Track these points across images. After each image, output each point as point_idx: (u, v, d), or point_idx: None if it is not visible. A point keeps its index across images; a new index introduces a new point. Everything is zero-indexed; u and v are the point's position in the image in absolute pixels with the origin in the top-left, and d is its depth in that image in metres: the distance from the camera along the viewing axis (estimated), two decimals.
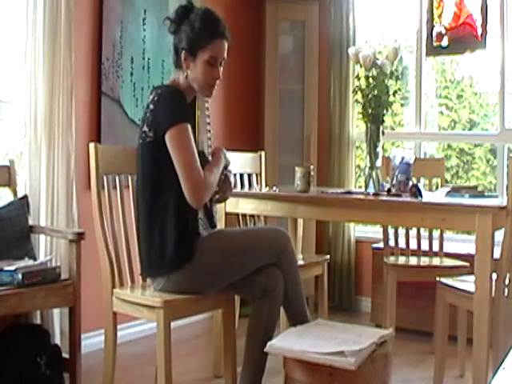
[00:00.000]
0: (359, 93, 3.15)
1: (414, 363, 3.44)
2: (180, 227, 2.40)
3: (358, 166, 4.89)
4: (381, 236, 3.74)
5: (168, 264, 2.42)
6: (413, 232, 3.77)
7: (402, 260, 3.64)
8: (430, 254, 3.71)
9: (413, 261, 3.63)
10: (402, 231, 3.73)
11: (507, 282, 2.59)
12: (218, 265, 2.45)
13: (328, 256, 3.79)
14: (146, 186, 2.46)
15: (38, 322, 3.07)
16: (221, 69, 2.51)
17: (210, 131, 2.62)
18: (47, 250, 3.14)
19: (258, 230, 2.81)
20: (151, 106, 2.42)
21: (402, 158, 3.01)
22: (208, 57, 2.44)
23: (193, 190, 2.34)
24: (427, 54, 4.39)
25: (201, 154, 2.54)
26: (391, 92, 3.11)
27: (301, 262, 3.53)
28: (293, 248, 2.61)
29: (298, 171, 3.03)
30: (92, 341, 3.33)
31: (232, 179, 2.64)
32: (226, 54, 2.51)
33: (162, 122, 2.37)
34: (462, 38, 4.18)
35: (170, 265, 2.42)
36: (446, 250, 3.71)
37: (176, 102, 2.40)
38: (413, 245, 3.74)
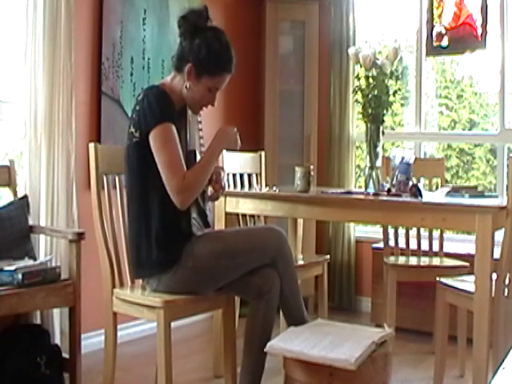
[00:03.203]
0: (359, 93, 3.15)
1: (414, 363, 3.44)
2: (168, 227, 2.40)
3: (358, 166, 4.89)
4: (381, 236, 3.74)
5: (155, 265, 2.42)
6: (413, 232, 3.77)
7: (402, 260, 3.64)
8: (430, 254, 3.71)
9: (413, 261, 3.63)
10: (402, 231, 3.73)
11: (507, 281, 2.59)
12: (207, 266, 2.43)
13: (328, 256, 3.79)
14: (133, 187, 2.46)
15: (38, 322, 3.07)
16: (216, 96, 2.53)
17: (201, 133, 2.58)
18: (47, 250, 3.13)
19: (252, 230, 2.77)
20: (137, 107, 2.42)
21: (402, 158, 3.01)
22: (212, 85, 2.47)
23: (175, 191, 2.32)
24: (427, 54, 4.39)
25: (192, 153, 2.54)
26: (391, 92, 3.11)
27: (301, 262, 3.54)
28: (289, 248, 2.58)
29: (298, 171, 3.03)
30: (92, 341, 3.33)
31: (224, 178, 2.61)
32: None
33: (146, 121, 2.36)
34: (462, 38, 4.18)
35: (158, 266, 2.42)
36: (446, 250, 3.71)
37: (160, 102, 2.38)
38: (413, 245, 3.74)
